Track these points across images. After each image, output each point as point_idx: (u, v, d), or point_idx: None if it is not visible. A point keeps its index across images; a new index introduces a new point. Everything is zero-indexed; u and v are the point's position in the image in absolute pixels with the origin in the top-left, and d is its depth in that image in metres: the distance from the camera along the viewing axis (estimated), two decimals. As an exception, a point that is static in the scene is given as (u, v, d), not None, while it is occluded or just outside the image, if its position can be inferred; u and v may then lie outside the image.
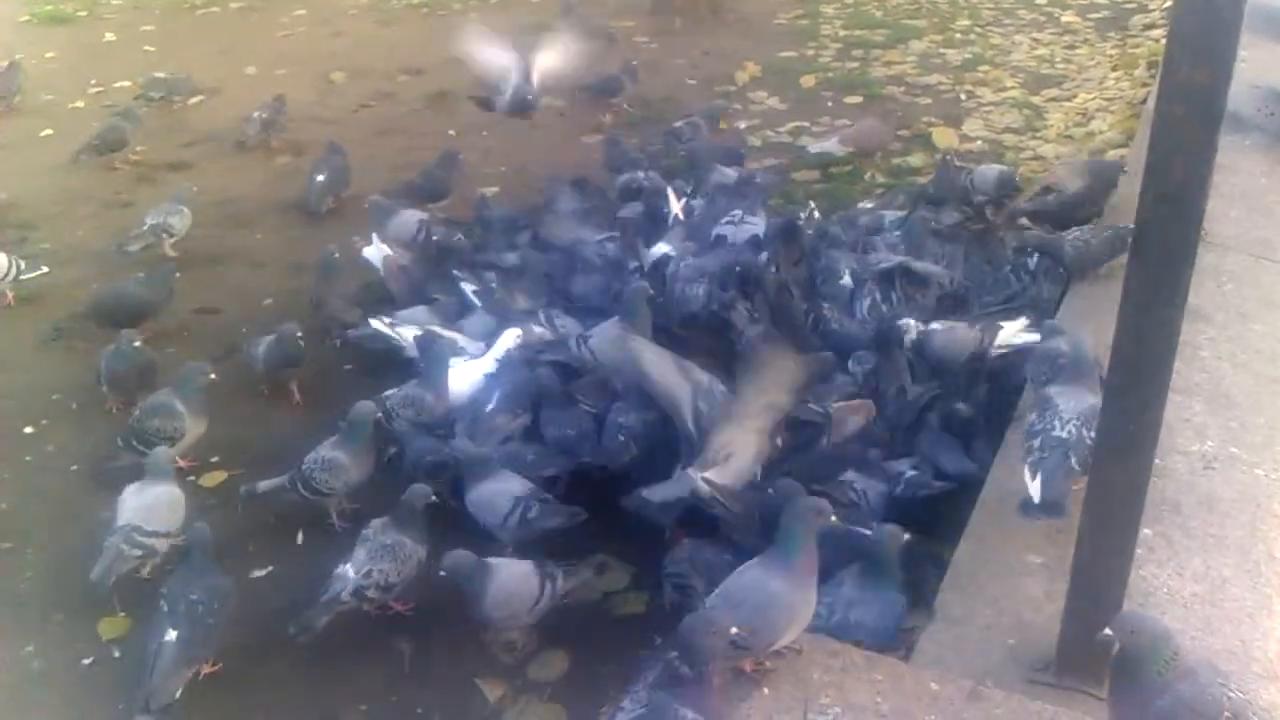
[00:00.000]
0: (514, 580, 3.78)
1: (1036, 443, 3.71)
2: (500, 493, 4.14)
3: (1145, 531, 3.26)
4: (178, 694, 3.51)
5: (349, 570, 3.83)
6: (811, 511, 3.16)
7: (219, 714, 3.65)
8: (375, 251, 5.95)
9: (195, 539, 3.83)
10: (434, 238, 6.14)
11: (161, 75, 9.35)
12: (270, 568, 4.24)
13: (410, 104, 9.15)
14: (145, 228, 6.56)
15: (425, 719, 3.63)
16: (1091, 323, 4.55)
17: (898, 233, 5.98)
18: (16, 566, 4.30)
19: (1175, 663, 2.62)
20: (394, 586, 3.86)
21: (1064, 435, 3.66)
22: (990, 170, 6.51)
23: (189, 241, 6.82)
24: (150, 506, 4.07)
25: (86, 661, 3.86)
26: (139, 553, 4.01)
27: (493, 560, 3.80)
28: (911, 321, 4.87)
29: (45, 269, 6.16)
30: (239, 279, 6.50)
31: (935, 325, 4.88)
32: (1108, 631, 2.67)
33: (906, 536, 3.56)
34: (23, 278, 6.03)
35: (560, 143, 8.16)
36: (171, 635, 3.55)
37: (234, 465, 4.79)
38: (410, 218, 6.28)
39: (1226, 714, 2.60)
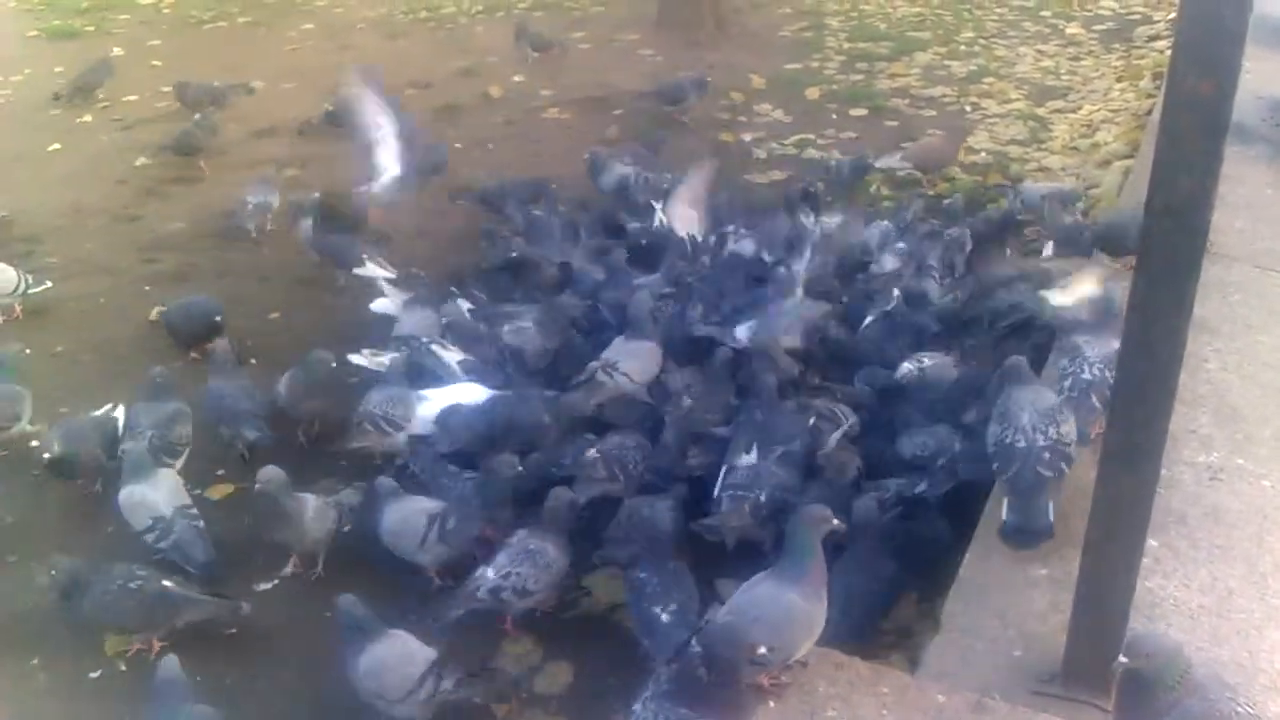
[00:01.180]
0: (392, 656, 3.50)
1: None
2: (414, 512, 4.11)
3: (1151, 543, 3.25)
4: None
5: (489, 571, 3.84)
6: (815, 519, 3.17)
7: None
8: (386, 305, 5.83)
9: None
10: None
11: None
12: (275, 581, 4.24)
13: (418, 117, 9.16)
14: (250, 207, 7.00)
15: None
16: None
17: (901, 244, 5.98)
18: (22, 581, 4.29)
19: (1186, 679, 2.61)
20: (531, 593, 3.86)
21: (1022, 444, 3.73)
22: (1039, 188, 6.43)
23: (194, 255, 6.86)
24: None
25: (93, 676, 3.87)
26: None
27: (387, 631, 3.56)
28: (908, 366, 4.76)
29: (49, 284, 6.19)
30: (245, 292, 6.51)
31: (927, 361, 4.79)
32: (1123, 659, 2.64)
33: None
34: (30, 292, 6.05)
35: (565, 154, 8.16)
36: None
37: (241, 479, 4.79)
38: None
39: None
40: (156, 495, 4.26)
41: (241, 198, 7.19)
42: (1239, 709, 2.61)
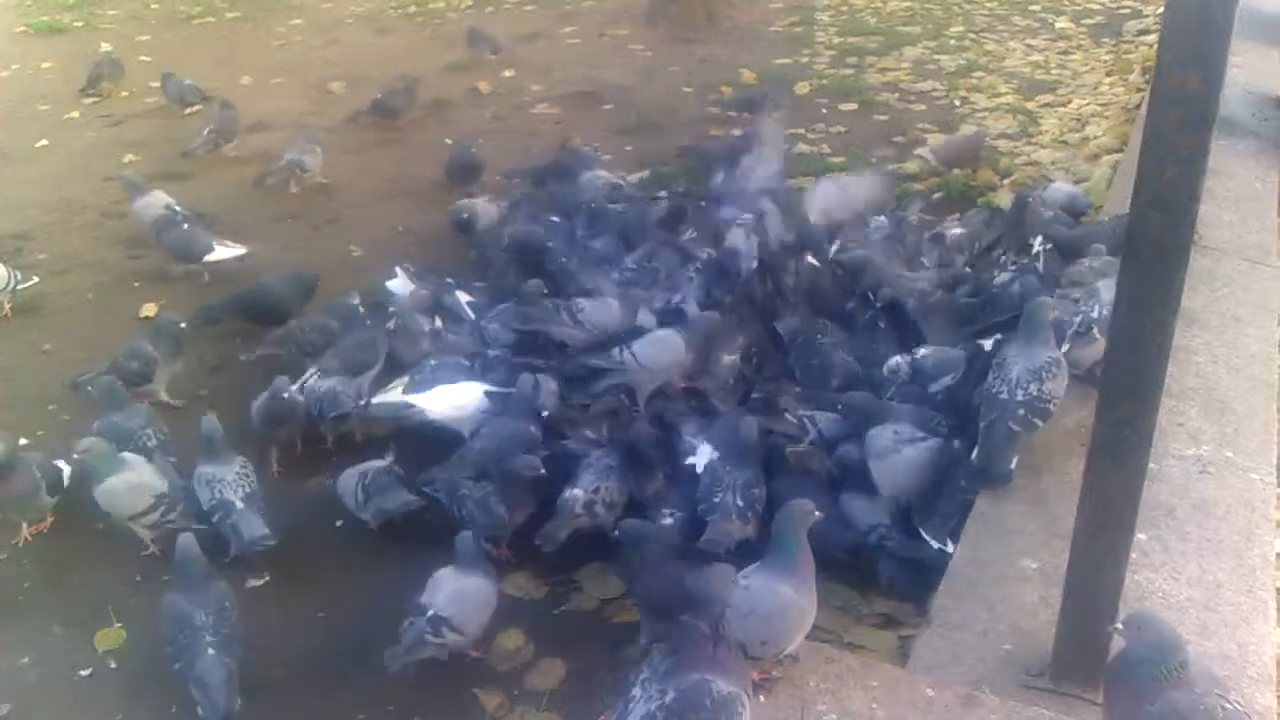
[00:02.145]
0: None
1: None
2: (349, 475, 4.39)
3: (1140, 536, 3.27)
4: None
5: (577, 492, 4.13)
6: (800, 512, 3.19)
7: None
8: (400, 284, 5.81)
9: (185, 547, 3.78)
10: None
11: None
12: (266, 577, 4.24)
13: (407, 113, 9.16)
14: (282, 164, 7.00)
15: (422, 729, 3.63)
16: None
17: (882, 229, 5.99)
18: (13, 577, 4.29)
19: (1180, 673, 2.62)
20: (617, 505, 4.16)
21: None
22: (1060, 189, 6.41)
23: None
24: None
25: (84, 673, 3.85)
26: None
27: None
28: (899, 359, 4.73)
29: (36, 279, 6.17)
30: (235, 287, 6.48)
31: (923, 351, 4.79)
32: (1118, 625, 2.67)
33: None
34: (19, 289, 6.04)
35: (555, 149, 8.15)
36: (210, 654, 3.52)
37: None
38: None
39: None
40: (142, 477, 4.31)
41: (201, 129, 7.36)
42: (1226, 704, 2.61)
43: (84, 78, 9.66)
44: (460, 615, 3.62)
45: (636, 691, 2.81)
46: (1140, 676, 2.63)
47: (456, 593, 3.66)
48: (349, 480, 4.38)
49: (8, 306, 6.07)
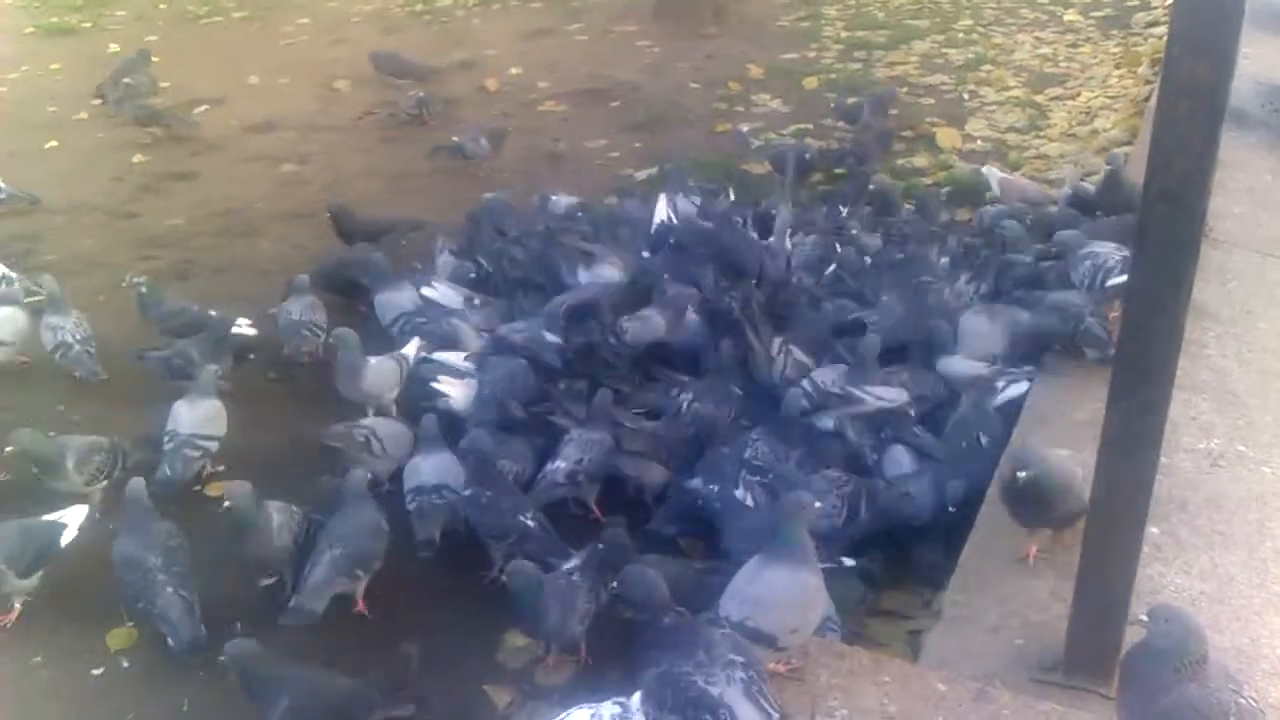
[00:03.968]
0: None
1: None
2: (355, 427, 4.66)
3: (1152, 530, 3.25)
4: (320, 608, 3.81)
5: (559, 464, 4.35)
6: (797, 505, 3.21)
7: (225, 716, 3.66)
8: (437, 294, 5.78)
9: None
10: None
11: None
12: (275, 578, 4.24)
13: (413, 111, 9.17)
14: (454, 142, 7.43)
15: (433, 725, 3.63)
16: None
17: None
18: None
19: (1197, 666, 2.60)
20: (598, 480, 4.40)
21: None
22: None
23: (192, 251, 6.85)
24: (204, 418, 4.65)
25: (96, 672, 3.86)
26: (198, 454, 4.62)
27: None
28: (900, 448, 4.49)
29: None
30: (245, 287, 6.50)
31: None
32: (1143, 617, 2.67)
33: (818, 504, 3.40)
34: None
35: (567, 147, 8.16)
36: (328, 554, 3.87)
37: (245, 475, 4.76)
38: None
39: (1232, 718, 2.57)
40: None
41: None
42: (1240, 699, 2.60)
43: (103, 83, 9.53)
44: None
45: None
46: (1158, 668, 2.62)
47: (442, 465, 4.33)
48: (356, 435, 4.59)
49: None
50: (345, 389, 4.94)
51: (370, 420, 4.84)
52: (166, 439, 4.61)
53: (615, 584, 3.24)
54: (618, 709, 2.91)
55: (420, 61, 9.75)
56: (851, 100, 8.35)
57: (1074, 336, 4.55)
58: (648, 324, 5.26)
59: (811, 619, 3.15)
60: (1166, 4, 10.28)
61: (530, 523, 4.07)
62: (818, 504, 3.29)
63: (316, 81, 9.89)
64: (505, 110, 9.08)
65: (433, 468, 4.35)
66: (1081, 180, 6.42)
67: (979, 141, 7.96)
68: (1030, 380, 4.52)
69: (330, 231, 6.63)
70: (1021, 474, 3.42)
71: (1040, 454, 3.54)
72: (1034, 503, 3.52)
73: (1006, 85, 9.07)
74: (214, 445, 4.69)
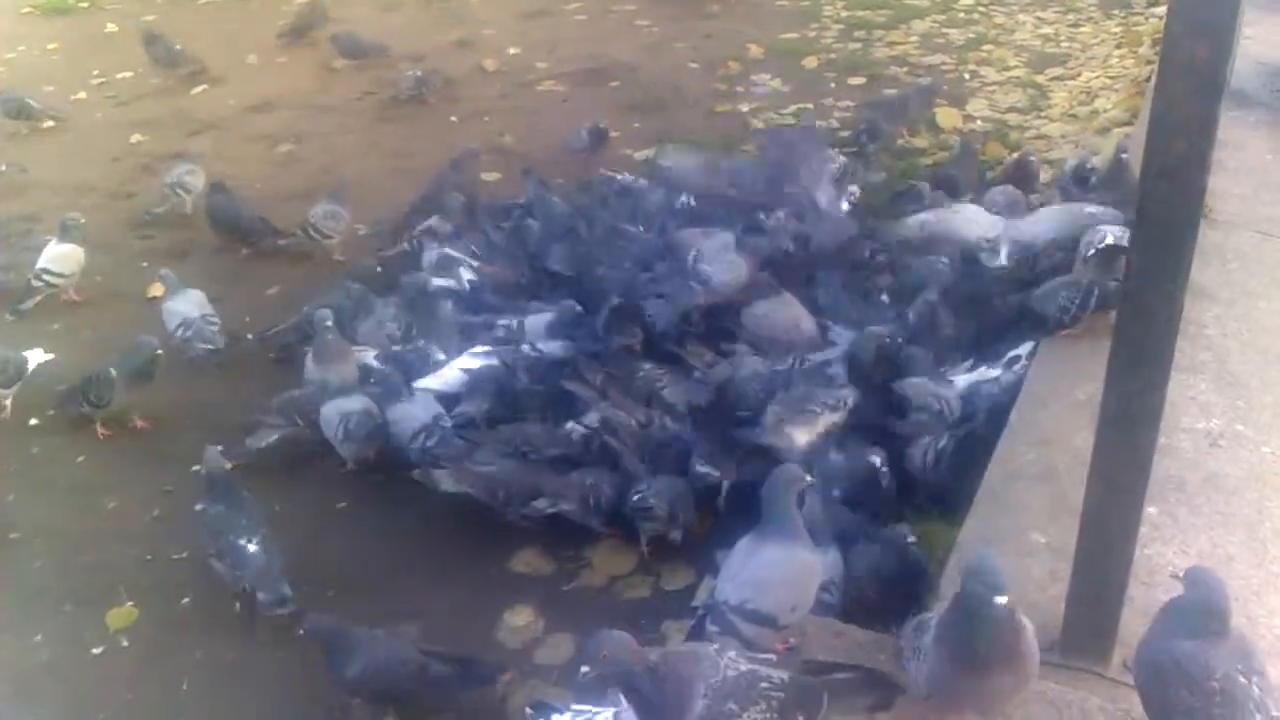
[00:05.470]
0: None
1: None
2: (333, 410, 4.67)
3: (1150, 510, 3.25)
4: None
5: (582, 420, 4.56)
6: (789, 479, 3.21)
7: (220, 701, 3.67)
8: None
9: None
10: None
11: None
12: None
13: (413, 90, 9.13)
14: (165, 185, 7.00)
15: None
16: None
17: None
18: (25, 557, 4.32)
19: (1215, 633, 2.57)
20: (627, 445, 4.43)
21: None
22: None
23: (190, 231, 6.84)
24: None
25: (96, 651, 3.88)
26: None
27: None
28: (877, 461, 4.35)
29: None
30: (244, 267, 6.50)
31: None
32: (1178, 574, 2.70)
33: (808, 479, 3.33)
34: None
35: (563, 127, 8.12)
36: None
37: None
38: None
39: (1214, 683, 2.54)
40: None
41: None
42: (1240, 677, 2.55)
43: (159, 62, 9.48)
44: None
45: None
46: (1174, 626, 2.62)
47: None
48: (331, 416, 4.66)
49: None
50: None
51: None
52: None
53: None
54: None
55: (376, 42, 9.76)
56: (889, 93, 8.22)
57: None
58: (735, 267, 5.06)
59: (810, 594, 3.17)
60: (1168, -17, 10.23)
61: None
62: (808, 479, 3.29)
63: (316, 61, 9.85)
64: (504, 90, 9.05)
65: None
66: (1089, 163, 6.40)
67: (979, 121, 7.92)
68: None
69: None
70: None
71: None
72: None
73: (1007, 65, 9.01)
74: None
